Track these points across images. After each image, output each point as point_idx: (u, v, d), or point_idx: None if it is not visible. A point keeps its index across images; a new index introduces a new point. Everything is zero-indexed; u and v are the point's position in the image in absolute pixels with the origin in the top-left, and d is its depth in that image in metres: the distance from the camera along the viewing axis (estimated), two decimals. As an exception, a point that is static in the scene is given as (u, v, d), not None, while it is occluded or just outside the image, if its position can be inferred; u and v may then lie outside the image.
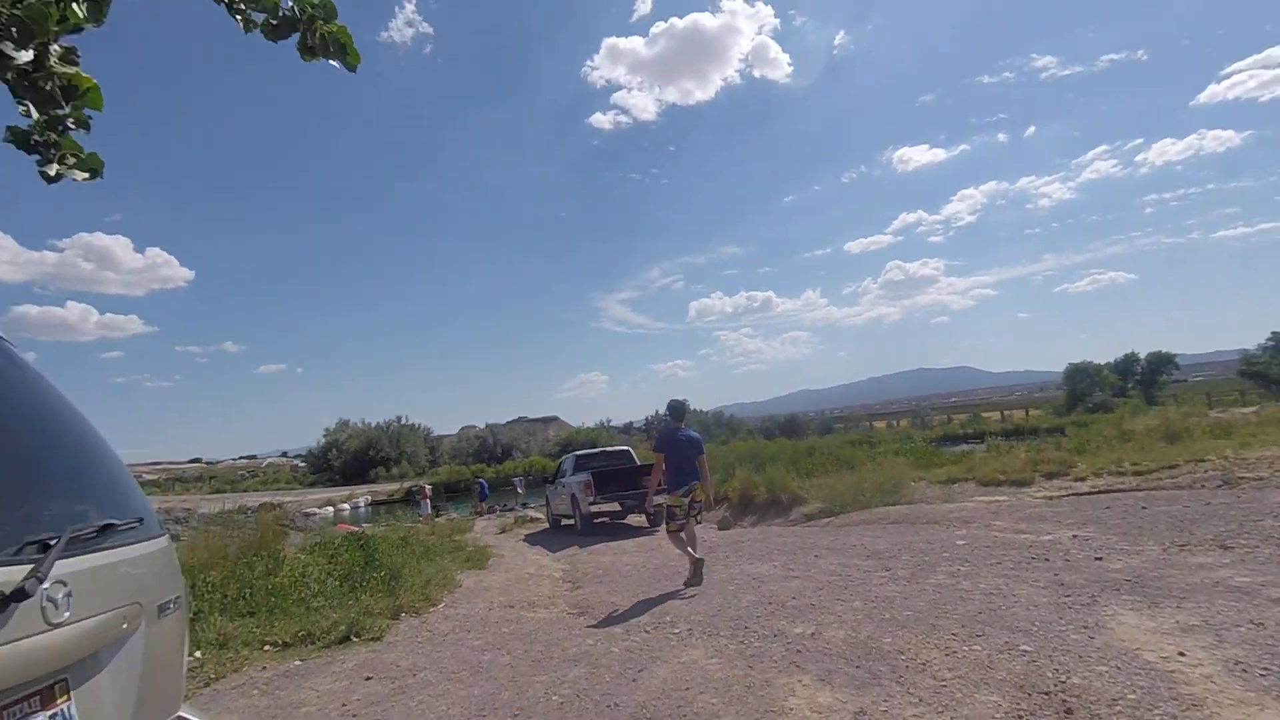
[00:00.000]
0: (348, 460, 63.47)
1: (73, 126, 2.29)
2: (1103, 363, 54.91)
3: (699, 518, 6.86)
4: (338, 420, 68.28)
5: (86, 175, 2.31)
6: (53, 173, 2.24)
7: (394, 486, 49.58)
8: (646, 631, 4.87)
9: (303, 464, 75.41)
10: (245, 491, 60.89)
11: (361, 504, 44.59)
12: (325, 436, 67.35)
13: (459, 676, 4.23)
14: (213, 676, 4.64)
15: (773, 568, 6.66)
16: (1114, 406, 35.11)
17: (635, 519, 14.78)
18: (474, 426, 76.41)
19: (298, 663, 4.93)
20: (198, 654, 5.13)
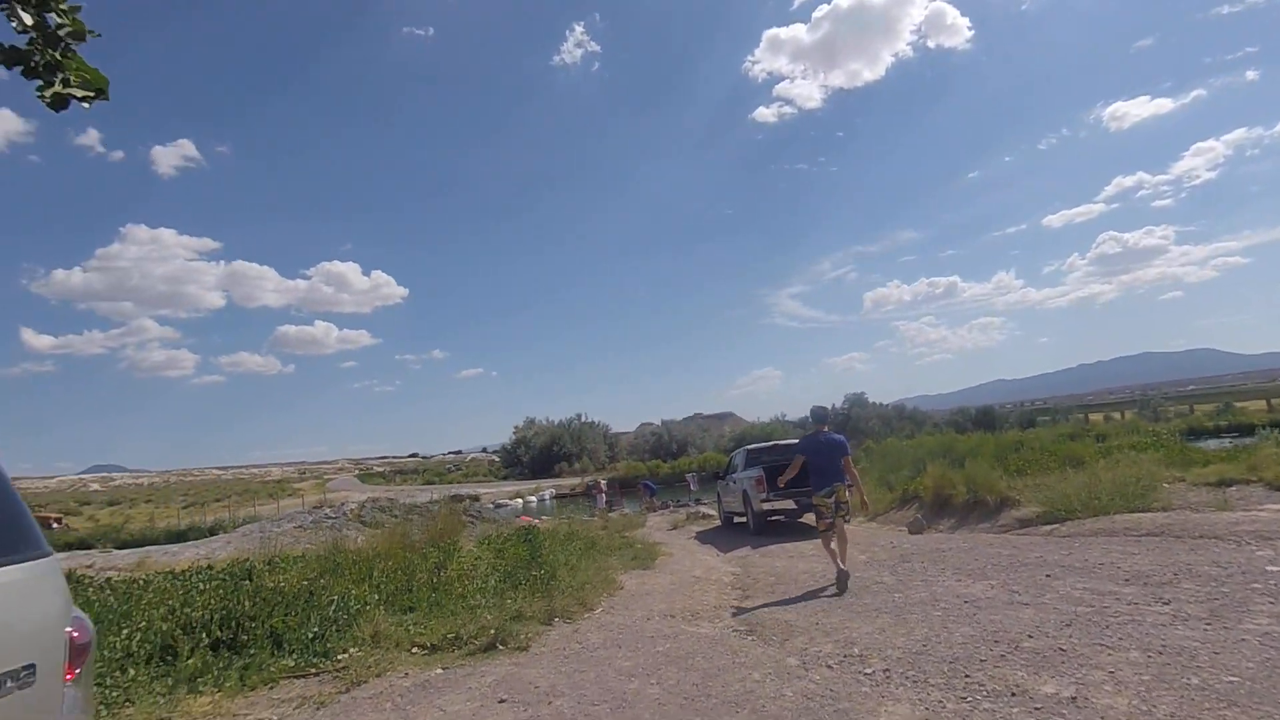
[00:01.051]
0: (535, 455, 67.60)
1: (71, 42, 1.90)
2: None
3: (848, 518, 6.85)
4: (525, 419, 72.89)
5: (90, 95, 1.91)
6: (49, 96, 1.85)
7: (575, 480, 51.82)
8: (829, 667, 3.88)
9: (497, 458, 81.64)
10: (451, 483, 67.22)
11: (546, 496, 46.99)
12: (515, 433, 72.35)
13: (597, 712, 3.55)
14: (355, 680, 4.40)
15: (990, 588, 5.30)
16: None
17: (812, 518, 13.56)
18: (651, 424, 77.98)
19: (439, 671, 4.58)
20: (352, 650, 4.98)
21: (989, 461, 11.34)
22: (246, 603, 5.41)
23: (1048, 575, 5.49)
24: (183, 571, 8.35)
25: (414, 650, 5.08)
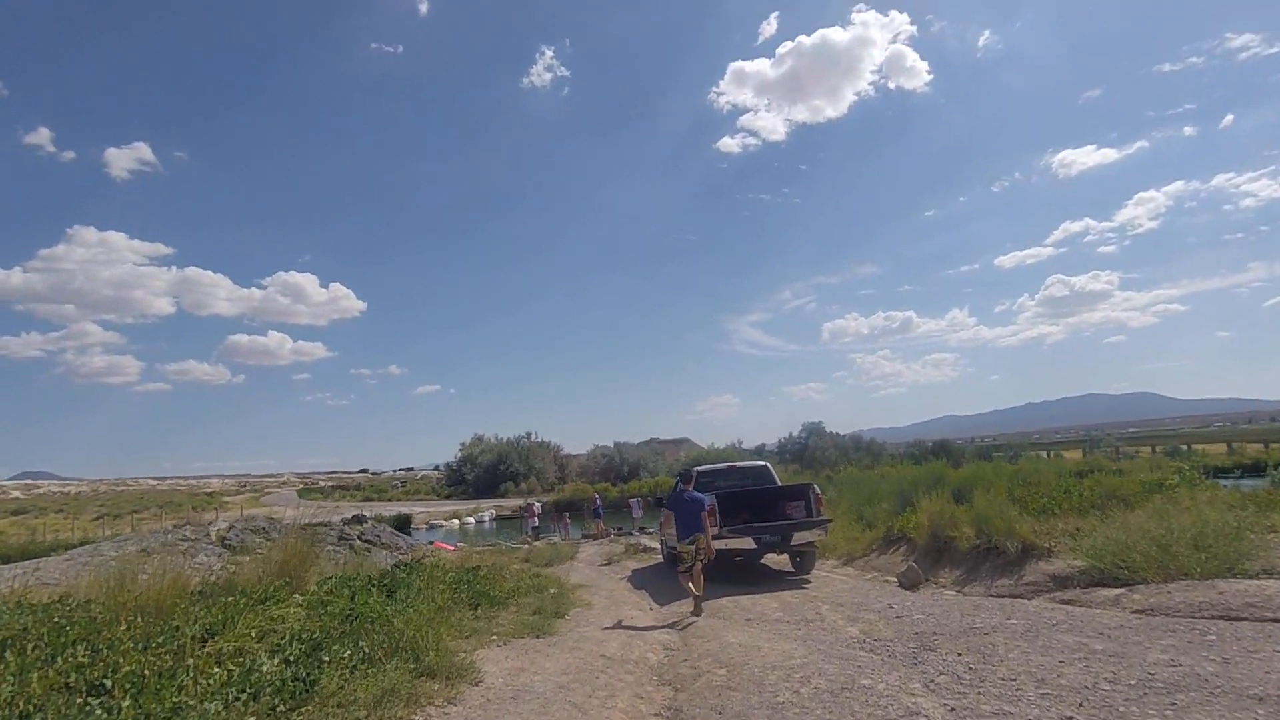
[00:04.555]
0: (481, 474, 63.95)
1: None
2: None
3: (705, 560, 7.49)
4: (473, 435, 69.25)
5: None
6: None
7: (520, 501, 48.54)
8: None
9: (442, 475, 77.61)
10: (391, 500, 63.04)
11: (486, 518, 43.66)
12: (461, 450, 68.54)
13: None
14: None
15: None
16: None
17: (777, 559, 10.94)
18: (606, 446, 74.99)
19: None
20: None
21: (1004, 496, 8.90)
22: None
23: (1166, 699, 2.95)
24: None
25: None
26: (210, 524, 15.48)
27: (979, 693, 3.51)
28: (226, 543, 13.53)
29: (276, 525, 15.80)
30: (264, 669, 4.41)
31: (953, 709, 3.27)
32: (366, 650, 4.58)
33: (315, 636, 5.07)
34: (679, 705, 4.04)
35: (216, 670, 4.54)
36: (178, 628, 5.11)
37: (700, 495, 7.84)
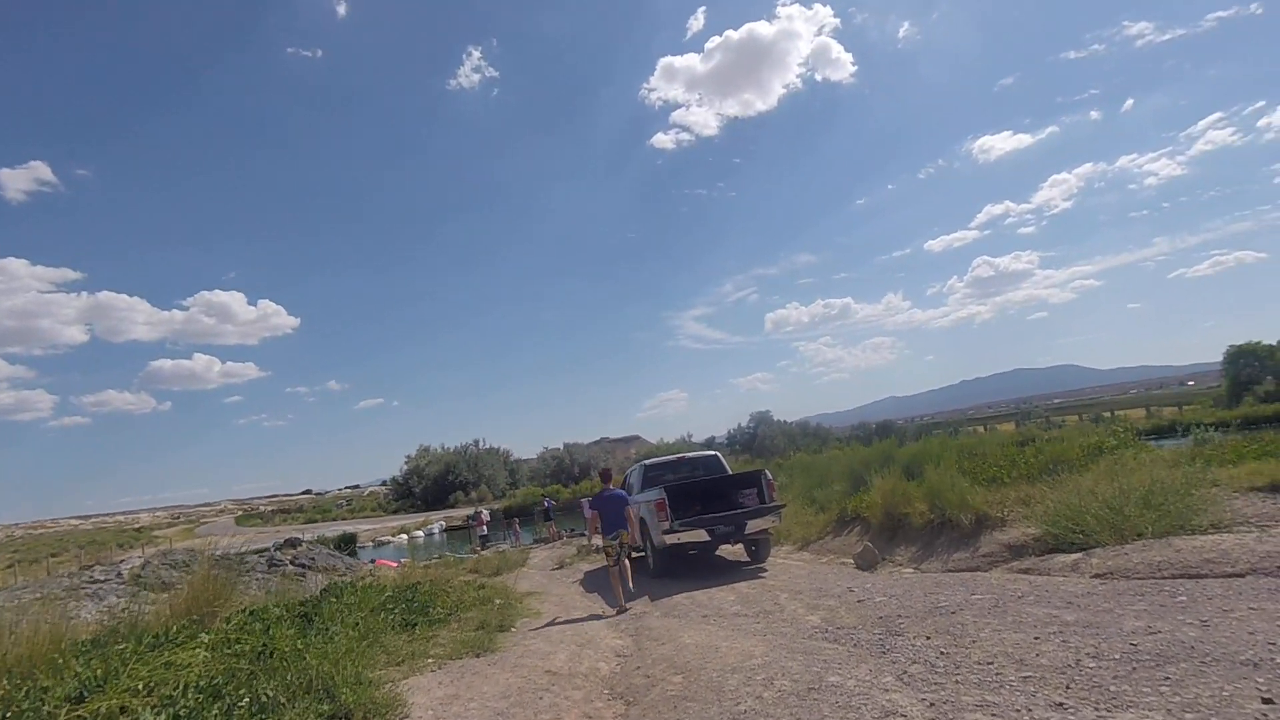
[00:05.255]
0: (428, 486, 62.30)
1: None
2: (1276, 343, 45.94)
3: (630, 555, 8.54)
4: (419, 447, 67.39)
5: None
6: None
7: (470, 511, 47.36)
8: None
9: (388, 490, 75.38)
10: (335, 520, 60.58)
11: (436, 530, 42.43)
12: (407, 463, 66.56)
13: None
14: None
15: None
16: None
17: (732, 550, 10.65)
18: (555, 448, 74.05)
19: None
20: None
21: (953, 470, 8.79)
22: None
23: (1160, 672, 2.72)
24: None
25: None
26: (121, 562, 14.20)
27: (957, 681, 3.19)
28: (141, 581, 12.43)
29: (199, 558, 14.63)
30: (146, 728, 3.79)
31: (931, 704, 2.94)
32: (271, 694, 3.98)
33: (216, 683, 4.44)
34: (632, 702, 3.61)
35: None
36: (45, 689, 4.41)
37: (621, 492, 8.37)
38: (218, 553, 12.87)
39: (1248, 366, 46.15)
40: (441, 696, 4.32)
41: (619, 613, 7.36)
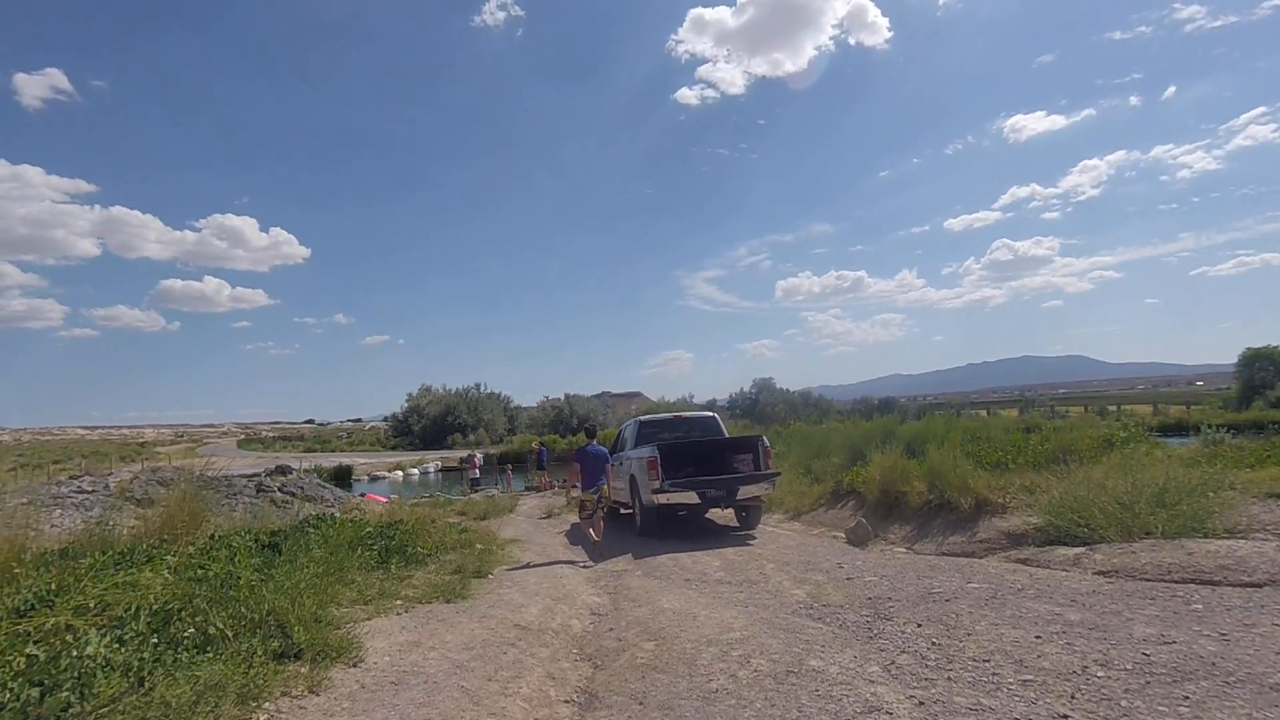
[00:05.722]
0: (427, 425, 62.65)
1: None
2: (1294, 349, 45.09)
3: (604, 509, 8.77)
4: (420, 386, 67.70)
5: None
6: None
7: (463, 453, 47.61)
8: None
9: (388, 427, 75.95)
10: (334, 451, 61.14)
11: (432, 469, 42.70)
12: (408, 401, 66.89)
13: None
14: None
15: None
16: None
17: (722, 514, 10.46)
18: (556, 398, 74.21)
19: None
20: None
21: (957, 451, 8.49)
22: None
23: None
24: None
25: None
26: (110, 475, 14.18)
27: (949, 678, 2.93)
28: (131, 496, 12.39)
29: (187, 476, 14.61)
30: (86, 651, 3.58)
31: (921, 703, 2.68)
32: (220, 627, 3.77)
33: (170, 608, 4.23)
34: (594, 689, 3.39)
35: (29, 651, 3.71)
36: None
37: (604, 449, 8.83)
38: (208, 474, 12.79)
39: (1262, 370, 45.49)
40: (402, 642, 4.11)
41: (591, 557, 7.83)
